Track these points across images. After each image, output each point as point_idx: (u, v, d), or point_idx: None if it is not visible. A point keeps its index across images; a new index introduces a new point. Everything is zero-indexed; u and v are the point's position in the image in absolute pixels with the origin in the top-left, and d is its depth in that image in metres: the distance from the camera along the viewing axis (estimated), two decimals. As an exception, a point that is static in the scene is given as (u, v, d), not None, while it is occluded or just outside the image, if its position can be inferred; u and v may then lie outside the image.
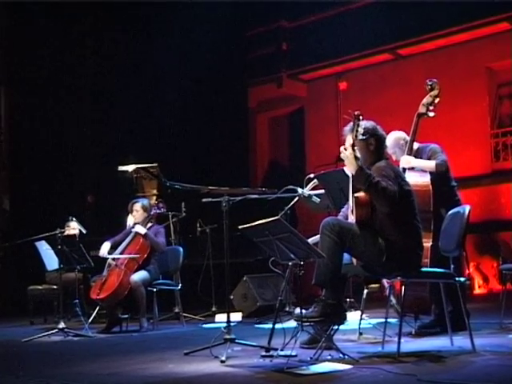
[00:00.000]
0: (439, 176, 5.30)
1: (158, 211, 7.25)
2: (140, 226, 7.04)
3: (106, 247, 7.01)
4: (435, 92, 5.50)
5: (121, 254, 6.96)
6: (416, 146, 5.55)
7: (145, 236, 6.98)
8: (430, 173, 5.28)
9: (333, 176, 5.68)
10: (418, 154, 5.51)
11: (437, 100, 5.50)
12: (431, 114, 5.50)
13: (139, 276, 6.81)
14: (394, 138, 5.61)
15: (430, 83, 5.55)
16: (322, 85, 14.78)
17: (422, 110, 5.50)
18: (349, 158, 4.23)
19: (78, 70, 12.74)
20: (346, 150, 4.27)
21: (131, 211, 7.22)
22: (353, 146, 4.25)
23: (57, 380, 3.98)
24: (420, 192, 5.00)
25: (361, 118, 4.27)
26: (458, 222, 4.54)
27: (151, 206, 7.28)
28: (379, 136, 4.51)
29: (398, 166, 5.22)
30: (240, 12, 13.19)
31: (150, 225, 7.16)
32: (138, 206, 7.18)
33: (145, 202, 7.30)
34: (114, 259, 6.89)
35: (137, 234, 7.02)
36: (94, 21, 12.60)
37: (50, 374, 4.19)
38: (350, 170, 4.29)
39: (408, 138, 5.54)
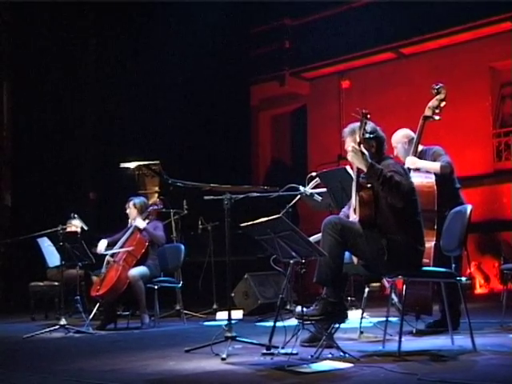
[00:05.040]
0: (444, 177, 5.30)
1: (154, 208, 7.30)
2: (140, 219, 7.07)
3: (102, 244, 7.07)
4: (441, 96, 5.52)
5: (119, 249, 6.99)
6: (420, 147, 5.55)
7: (143, 230, 7.01)
8: (435, 174, 5.28)
9: (335, 175, 5.69)
10: (421, 156, 5.50)
11: (443, 104, 5.52)
12: (437, 118, 5.53)
13: (137, 271, 6.83)
14: (401, 135, 5.62)
15: (436, 87, 5.56)
16: (324, 83, 14.78)
17: (428, 113, 5.52)
18: (357, 155, 4.20)
19: (81, 67, 12.75)
20: (352, 148, 4.25)
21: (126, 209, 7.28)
22: (359, 144, 4.24)
23: (58, 376, 3.99)
24: (425, 192, 5.03)
25: (368, 116, 4.26)
26: (459, 221, 4.54)
27: (146, 204, 7.31)
28: (379, 137, 4.50)
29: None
30: (243, 10, 13.20)
31: (147, 221, 7.18)
32: (130, 204, 7.24)
33: (137, 200, 7.29)
34: (112, 256, 6.92)
35: (136, 228, 7.05)
36: (97, 18, 12.61)
37: (51, 371, 4.20)
38: (360, 166, 4.25)
39: (414, 136, 5.54)
